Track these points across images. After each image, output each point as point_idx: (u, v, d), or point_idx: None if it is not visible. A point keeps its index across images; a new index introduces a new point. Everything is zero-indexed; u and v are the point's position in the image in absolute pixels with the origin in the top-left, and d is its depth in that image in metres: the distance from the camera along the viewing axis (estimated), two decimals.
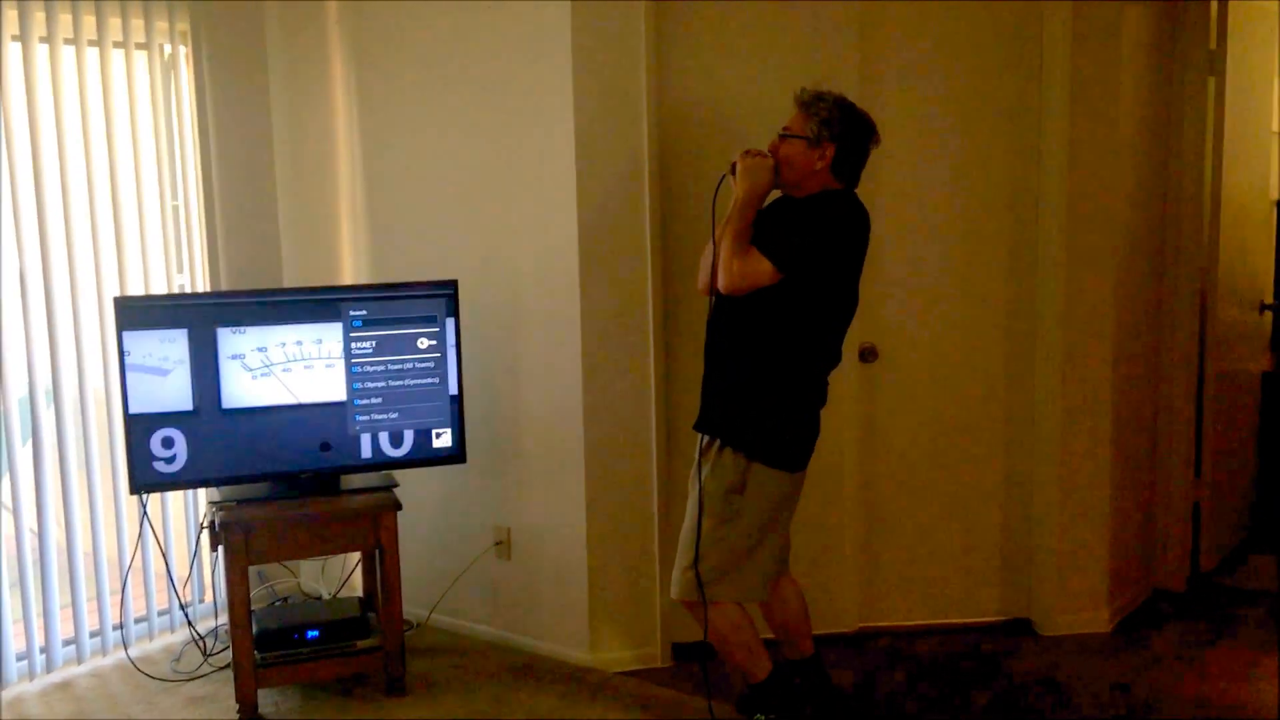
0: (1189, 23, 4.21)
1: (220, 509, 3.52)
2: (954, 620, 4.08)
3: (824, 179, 3.06)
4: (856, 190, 3.11)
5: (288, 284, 4.35)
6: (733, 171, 3.09)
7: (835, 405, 3.86)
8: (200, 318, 3.50)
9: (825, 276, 3.01)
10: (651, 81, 3.63)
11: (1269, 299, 5.07)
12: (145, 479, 3.52)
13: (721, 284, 3.01)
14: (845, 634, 4.01)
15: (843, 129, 3.03)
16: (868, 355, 3.89)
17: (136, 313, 3.46)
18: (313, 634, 3.62)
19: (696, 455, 3.18)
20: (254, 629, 3.56)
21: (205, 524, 3.70)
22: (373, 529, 3.58)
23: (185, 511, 4.21)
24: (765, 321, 3.03)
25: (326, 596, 4.29)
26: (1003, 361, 3.99)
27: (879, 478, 3.99)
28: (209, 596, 4.31)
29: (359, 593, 4.10)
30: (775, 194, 3.17)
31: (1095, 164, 3.85)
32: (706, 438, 3.15)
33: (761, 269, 2.96)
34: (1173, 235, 4.31)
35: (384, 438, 3.70)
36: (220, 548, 3.50)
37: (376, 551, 3.65)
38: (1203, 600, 4.38)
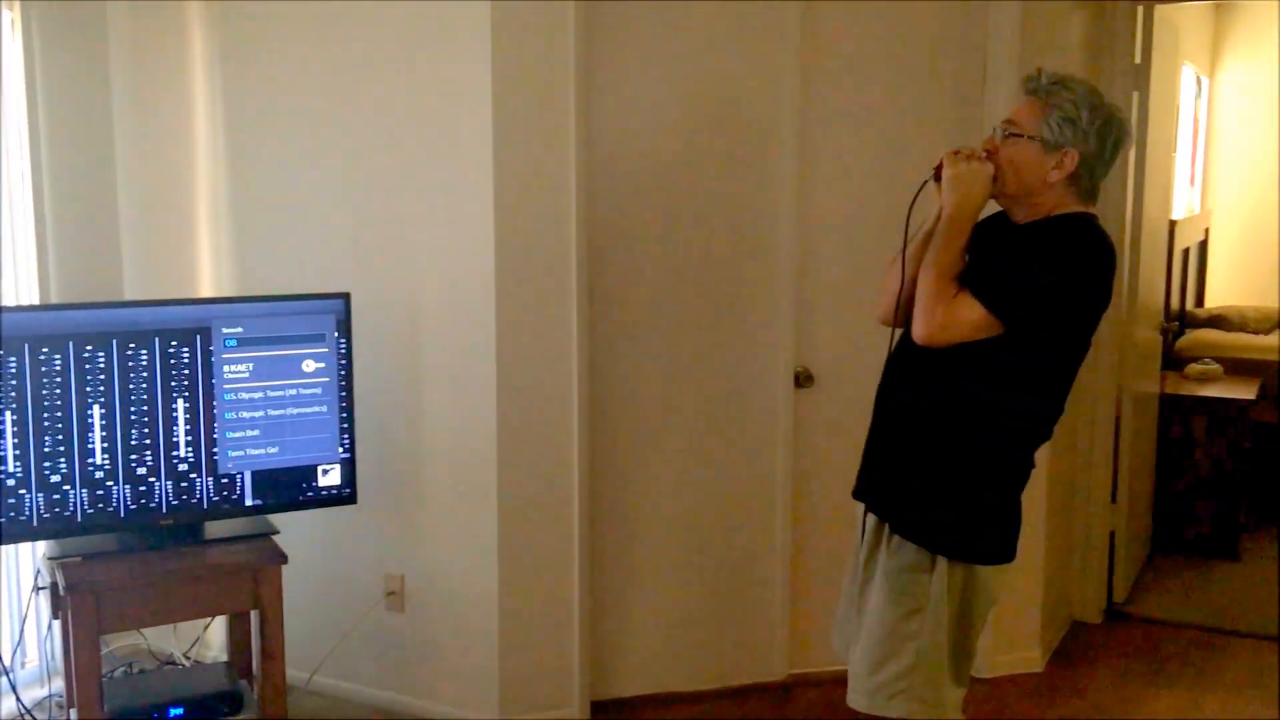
0: (1117, 32, 4.05)
1: (62, 566, 2.91)
2: None
3: (1058, 196, 2.30)
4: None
5: (130, 296, 3.71)
6: (936, 177, 2.34)
7: (767, 436, 3.58)
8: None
9: (1060, 332, 2.28)
10: (580, 82, 3.23)
11: (1163, 319, 5.02)
12: None
13: (918, 333, 2.31)
14: (774, 683, 3.69)
15: (1092, 132, 2.25)
16: (803, 380, 3.58)
17: None
18: (176, 711, 3.06)
19: (861, 532, 2.49)
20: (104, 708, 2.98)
21: (42, 585, 3.08)
22: (253, 587, 3.04)
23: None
24: (974, 382, 2.30)
25: (180, 659, 3.69)
26: None
27: (810, 514, 3.67)
28: (33, 660, 3.63)
29: (215, 650, 3.53)
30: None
31: None
32: (874, 518, 2.46)
33: (972, 318, 2.24)
34: None
35: (261, 475, 3.16)
36: (63, 615, 2.90)
37: (254, 612, 3.10)
38: (1122, 633, 4.23)
